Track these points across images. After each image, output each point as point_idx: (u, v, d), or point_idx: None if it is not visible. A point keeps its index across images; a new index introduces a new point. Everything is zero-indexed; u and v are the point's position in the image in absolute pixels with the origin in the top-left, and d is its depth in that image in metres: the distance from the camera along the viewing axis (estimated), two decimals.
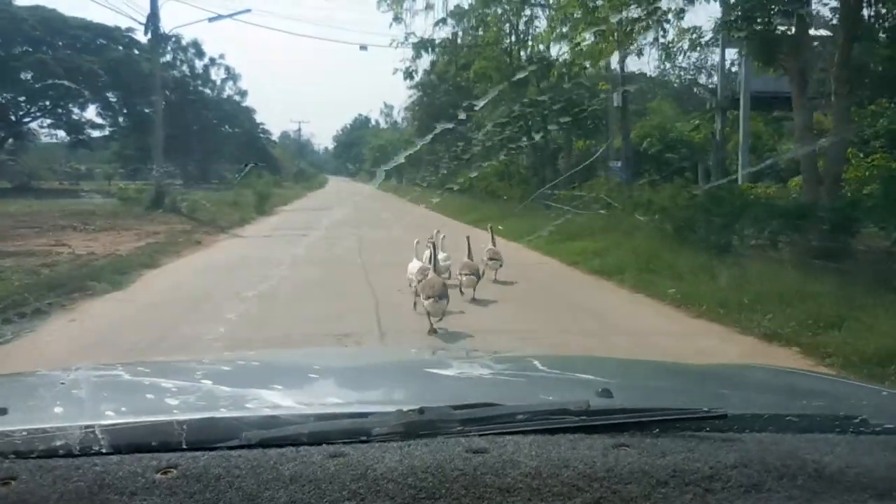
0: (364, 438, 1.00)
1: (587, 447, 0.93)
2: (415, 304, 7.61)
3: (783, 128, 28.05)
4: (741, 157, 22.29)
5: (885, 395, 1.62)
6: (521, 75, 26.96)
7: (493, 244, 10.31)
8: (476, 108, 29.30)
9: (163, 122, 24.28)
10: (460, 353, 3.25)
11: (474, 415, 1.04)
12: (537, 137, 27.91)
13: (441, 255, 8.85)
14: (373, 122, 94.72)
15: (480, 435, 0.99)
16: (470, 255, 9.09)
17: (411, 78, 36.38)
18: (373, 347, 5.78)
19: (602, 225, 15.57)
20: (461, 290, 8.76)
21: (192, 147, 49.11)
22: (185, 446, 0.98)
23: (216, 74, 56.81)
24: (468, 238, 9.44)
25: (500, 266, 10.18)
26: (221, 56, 57.17)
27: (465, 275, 8.71)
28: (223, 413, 1.17)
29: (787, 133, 27.27)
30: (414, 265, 8.35)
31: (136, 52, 42.60)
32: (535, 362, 1.82)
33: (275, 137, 71.13)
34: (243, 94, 59.29)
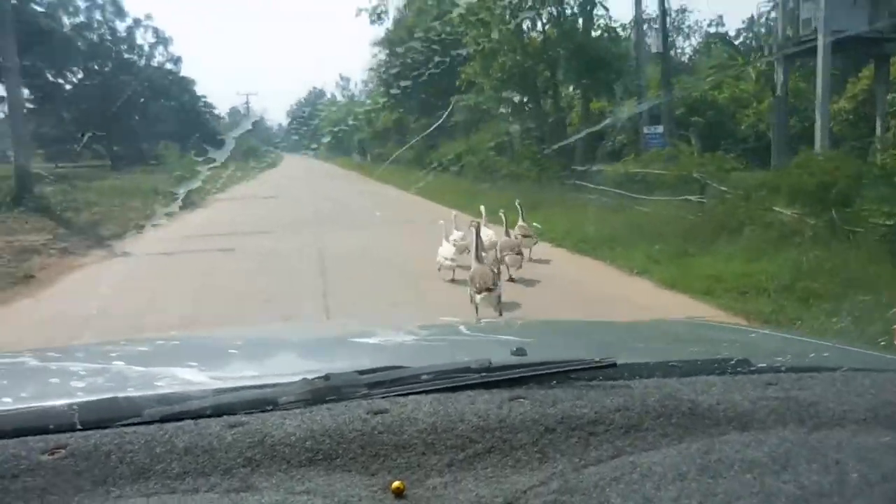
0: (269, 408, 0.98)
1: (484, 401, 0.96)
2: (471, 298, 6.17)
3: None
4: (820, 119, 16.63)
5: (761, 336, 1.98)
6: (523, 17, 20.88)
7: (523, 220, 9.27)
8: (464, 57, 23.26)
9: (80, 93, 17.73)
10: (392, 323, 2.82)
11: (379, 378, 1.04)
12: (546, 98, 21.87)
13: (457, 234, 8.29)
14: (328, 96, 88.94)
15: (384, 397, 1.00)
16: (507, 233, 8.49)
17: (380, 20, 29.86)
18: (303, 323, 5.26)
19: (716, 223, 9.70)
20: (507, 271, 7.97)
21: (121, 124, 42.46)
22: (79, 427, 0.95)
23: (143, 38, 49.54)
24: (503, 212, 8.66)
25: (536, 243, 9.51)
26: (148, 16, 49.54)
27: (508, 255, 8.10)
28: (129, 393, 1.11)
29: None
30: (446, 249, 8.06)
31: (37, 7, 35.47)
32: (461, 327, 1.83)
33: (222, 113, 64.38)
34: (176, 60, 52.06)
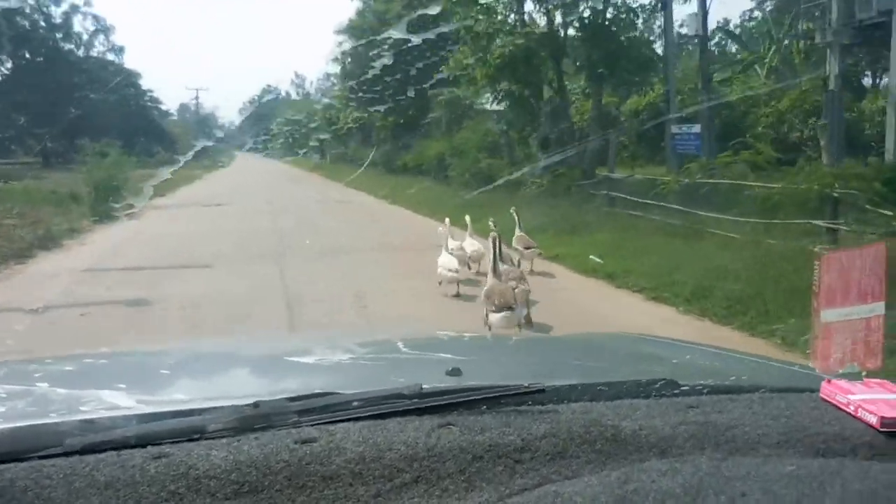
0: (196, 437, 0.95)
1: (414, 429, 0.94)
2: (485, 319, 5.48)
3: None
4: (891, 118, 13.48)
5: (689, 351, 1.90)
6: None
7: (520, 229, 8.45)
8: (447, 42, 19.51)
9: (8, 84, 13.91)
10: (331, 337, 2.67)
11: (309, 405, 1.02)
12: (551, 91, 18.16)
13: (453, 244, 7.71)
14: (283, 94, 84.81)
15: (313, 425, 0.97)
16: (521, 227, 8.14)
17: None
18: (243, 337, 4.84)
19: None
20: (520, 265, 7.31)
21: (55, 118, 37.88)
22: None
23: (81, 26, 44.66)
24: (493, 221, 7.16)
25: (539, 254, 8.55)
26: (87, 2, 44.51)
27: (526, 248, 8.00)
28: (51, 419, 1.08)
29: None
30: (447, 260, 7.30)
31: None
32: (399, 343, 1.77)
33: (171, 109, 59.75)
34: (119, 51, 47.38)
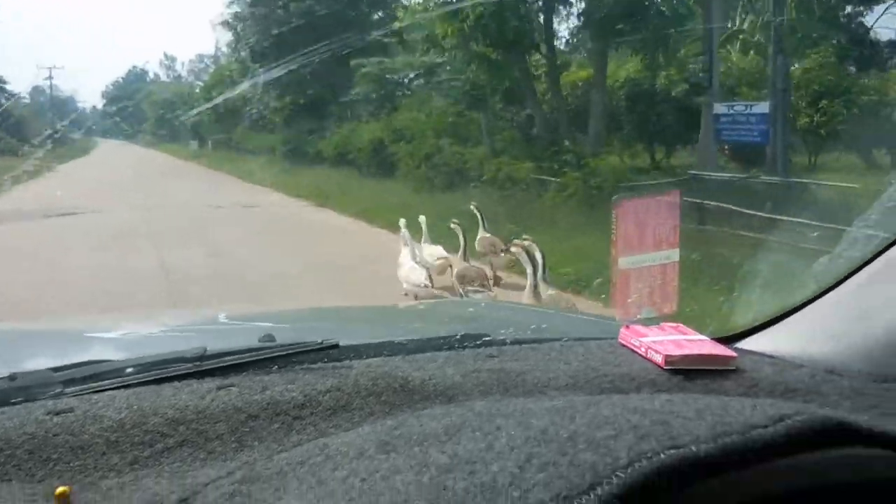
0: None
1: (190, 392, 0.88)
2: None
3: None
4: None
5: (509, 311, 2.03)
6: None
7: (485, 230, 7.34)
8: None
9: None
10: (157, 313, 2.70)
11: (75, 374, 0.94)
12: (539, 51, 13.25)
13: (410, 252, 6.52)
14: (151, 76, 76.57)
15: (76, 395, 0.90)
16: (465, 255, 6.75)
17: None
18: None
19: None
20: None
21: None
22: None
23: None
24: (457, 223, 6.99)
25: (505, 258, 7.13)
26: None
27: (493, 252, 7.02)
28: None
29: None
30: (412, 272, 6.22)
31: None
32: (221, 315, 1.73)
33: (23, 92, 51.46)
34: None
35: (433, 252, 6.88)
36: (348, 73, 22.06)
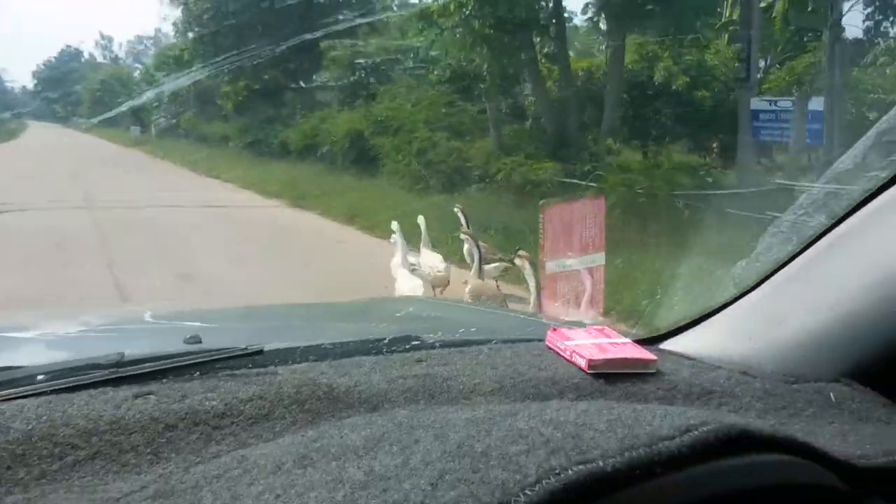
0: None
1: (104, 401, 0.83)
2: None
3: None
4: None
5: (450, 309, 2.01)
6: None
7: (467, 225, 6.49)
8: None
9: None
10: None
11: None
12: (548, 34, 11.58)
13: (406, 259, 5.83)
14: (86, 56, 72.94)
15: None
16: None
17: None
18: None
19: None
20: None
21: None
22: None
23: None
24: (460, 209, 6.43)
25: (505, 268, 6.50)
26: None
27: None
28: None
29: None
30: (408, 283, 5.50)
31: None
32: (146, 314, 1.65)
33: None
34: None
35: (432, 262, 6.16)
36: (313, 57, 20.18)
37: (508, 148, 11.05)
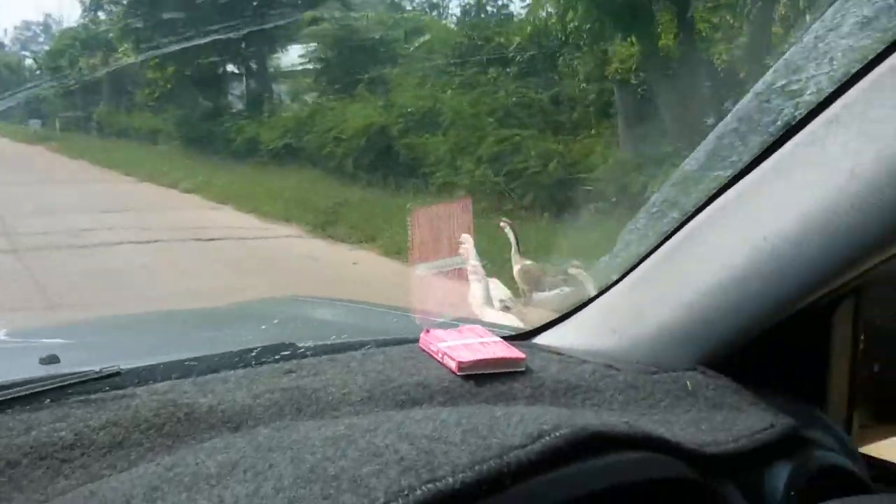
0: None
1: None
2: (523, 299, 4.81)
3: None
4: None
5: (335, 310, 1.83)
6: None
7: (519, 254, 5.47)
8: None
9: None
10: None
11: None
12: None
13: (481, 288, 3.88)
14: None
15: None
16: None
17: None
18: None
19: None
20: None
21: None
22: None
23: None
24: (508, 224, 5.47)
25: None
26: None
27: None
28: None
29: None
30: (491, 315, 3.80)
31: None
32: (1, 333, 1.55)
33: None
34: None
35: (494, 292, 4.49)
36: (269, 34, 16.34)
37: (647, 154, 7.55)
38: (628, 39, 7.96)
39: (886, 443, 1.01)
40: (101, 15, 22.93)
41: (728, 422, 0.79)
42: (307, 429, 0.73)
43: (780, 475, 0.75)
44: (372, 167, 10.22)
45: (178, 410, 0.79)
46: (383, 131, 10.14)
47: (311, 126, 11.80)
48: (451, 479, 0.57)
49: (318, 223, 8.33)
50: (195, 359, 0.95)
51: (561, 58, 8.86)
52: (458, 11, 15.44)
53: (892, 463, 0.95)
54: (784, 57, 0.81)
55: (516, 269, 5.47)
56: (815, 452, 0.79)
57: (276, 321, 1.53)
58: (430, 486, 0.57)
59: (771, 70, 0.83)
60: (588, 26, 7.82)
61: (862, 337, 0.94)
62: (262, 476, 0.61)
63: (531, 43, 9.08)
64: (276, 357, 0.97)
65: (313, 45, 13.72)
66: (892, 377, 0.99)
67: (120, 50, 18.44)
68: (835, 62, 0.75)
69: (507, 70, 9.61)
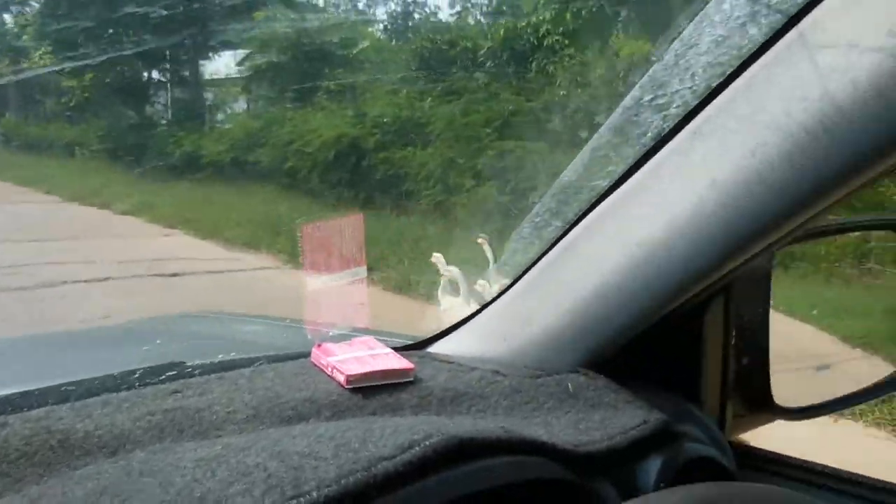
0: None
1: None
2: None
3: None
4: None
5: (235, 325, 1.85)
6: None
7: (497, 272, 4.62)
8: None
9: None
10: None
11: None
12: None
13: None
14: None
15: None
16: None
17: None
18: None
19: None
20: None
21: None
22: None
23: None
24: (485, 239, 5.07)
25: None
26: None
27: None
28: None
29: None
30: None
31: None
32: None
33: None
34: None
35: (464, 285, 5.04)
36: (203, 39, 15.11)
37: None
38: None
39: (759, 430, 1.00)
40: (7, 17, 21.04)
41: (605, 421, 0.80)
42: (184, 450, 0.70)
43: (651, 469, 0.76)
44: (341, 183, 9.06)
45: (52, 437, 0.75)
46: (355, 144, 8.99)
47: (267, 138, 10.51)
48: (315, 494, 0.56)
49: (294, 251, 7.15)
50: (74, 382, 0.88)
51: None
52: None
53: (762, 450, 0.96)
54: (648, 73, 0.81)
55: (495, 287, 4.57)
56: (686, 445, 0.81)
57: (158, 341, 1.45)
58: (293, 501, 0.56)
59: (637, 86, 0.82)
60: None
61: (732, 332, 0.96)
62: (129, 501, 0.59)
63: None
64: (162, 377, 0.91)
65: (259, 49, 12.42)
66: (760, 369, 1.01)
67: (37, 54, 16.61)
68: (696, 77, 0.77)
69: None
